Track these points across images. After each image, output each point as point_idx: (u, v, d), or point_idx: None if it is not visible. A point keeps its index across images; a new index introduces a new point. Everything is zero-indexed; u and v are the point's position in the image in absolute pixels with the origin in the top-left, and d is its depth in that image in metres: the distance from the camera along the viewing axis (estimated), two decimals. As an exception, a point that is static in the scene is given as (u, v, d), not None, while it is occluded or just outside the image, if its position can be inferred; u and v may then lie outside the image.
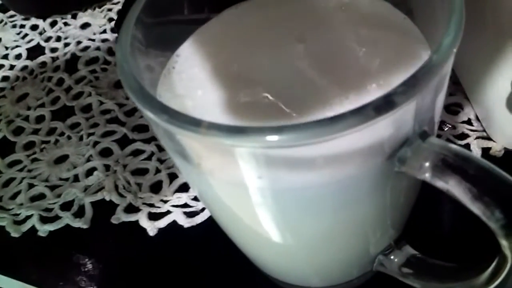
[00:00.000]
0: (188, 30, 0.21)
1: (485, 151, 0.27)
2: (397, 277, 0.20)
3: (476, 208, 0.13)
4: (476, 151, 0.27)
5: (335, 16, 0.20)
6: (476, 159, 0.14)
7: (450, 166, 0.14)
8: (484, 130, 0.28)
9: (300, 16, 0.20)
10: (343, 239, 0.19)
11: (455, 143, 0.27)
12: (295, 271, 0.22)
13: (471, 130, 0.28)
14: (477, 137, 0.28)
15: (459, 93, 0.30)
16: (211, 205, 0.19)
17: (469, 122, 0.29)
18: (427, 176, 0.14)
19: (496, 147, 0.27)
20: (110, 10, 0.42)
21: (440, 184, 0.14)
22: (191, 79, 0.19)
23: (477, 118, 0.29)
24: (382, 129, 0.14)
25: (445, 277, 0.18)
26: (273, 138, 0.12)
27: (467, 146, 0.28)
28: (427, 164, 0.14)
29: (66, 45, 0.41)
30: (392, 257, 0.20)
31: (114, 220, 0.29)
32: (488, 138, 0.28)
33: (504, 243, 0.14)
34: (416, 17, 0.19)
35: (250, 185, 0.15)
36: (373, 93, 0.17)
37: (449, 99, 0.30)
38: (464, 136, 0.28)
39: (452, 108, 0.29)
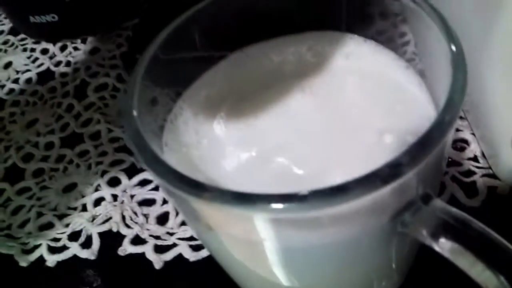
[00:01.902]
0: (195, 74, 0.21)
1: (492, 190, 0.27)
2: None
3: (476, 275, 0.14)
4: (482, 190, 0.27)
5: (339, 65, 0.20)
6: (477, 226, 0.14)
7: (451, 233, 0.14)
8: (490, 167, 0.28)
9: (307, 63, 0.20)
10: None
11: (461, 181, 0.27)
12: None
13: (477, 167, 0.28)
14: (483, 175, 0.28)
15: (465, 129, 0.30)
16: (214, 253, 0.20)
17: (475, 159, 0.29)
18: (428, 241, 0.14)
19: (503, 186, 0.27)
20: (119, 35, 0.43)
21: (441, 250, 0.14)
22: (196, 128, 0.19)
23: (483, 155, 0.29)
24: (386, 194, 0.14)
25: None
26: (279, 206, 0.13)
27: (473, 183, 0.28)
28: (428, 229, 0.14)
29: (76, 70, 0.41)
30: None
31: (121, 252, 0.29)
32: (495, 176, 0.28)
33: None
34: (419, 67, 0.19)
35: (255, 244, 0.15)
36: (378, 147, 0.17)
37: (455, 134, 0.30)
38: (470, 173, 0.28)
39: (458, 144, 0.30)
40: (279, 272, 0.17)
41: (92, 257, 0.29)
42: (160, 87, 0.19)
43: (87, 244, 0.30)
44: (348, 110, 0.18)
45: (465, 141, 0.30)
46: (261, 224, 0.14)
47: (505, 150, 0.26)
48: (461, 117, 0.30)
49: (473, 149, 0.29)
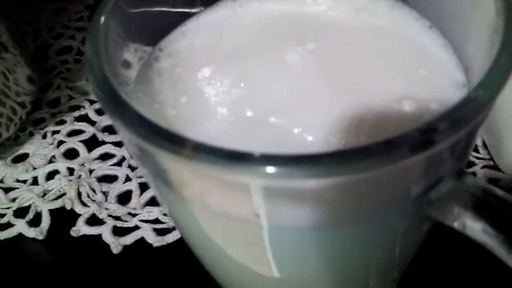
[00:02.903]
0: (175, 22, 0.17)
1: (493, 182, 0.25)
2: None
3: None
4: (482, 182, 0.25)
5: (347, 19, 0.17)
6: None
7: (488, 212, 0.11)
8: (491, 159, 0.26)
9: (307, 15, 0.17)
10: (342, 283, 0.16)
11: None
12: None
13: (478, 158, 0.26)
14: (484, 166, 0.25)
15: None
16: (187, 233, 0.16)
17: (475, 148, 0.26)
18: (458, 223, 0.11)
19: (506, 178, 0.24)
20: (88, -4, 0.39)
21: (472, 232, 0.11)
22: (174, 82, 0.16)
23: (485, 145, 0.26)
24: (412, 166, 0.11)
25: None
26: (286, 169, 0.09)
27: (473, 175, 0.25)
28: (459, 207, 0.11)
29: (37, 30, 0.37)
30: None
31: (73, 232, 0.25)
32: (496, 168, 0.25)
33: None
34: (444, 28, 0.16)
35: (243, 221, 0.12)
36: (396, 115, 0.14)
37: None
38: (469, 163, 0.26)
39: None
40: (262, 257, 0.14)
41: (40, 237, 0.25)
42: (132, 31, 0.15)
43: (35, 222, 0.26)
44: (357, 71, 0.15)
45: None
46: (253, 195, 0.11)
47: (509, 140, 0.24)
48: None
49: (474, 138, 0.27)
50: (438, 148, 0.10)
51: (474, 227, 0.12)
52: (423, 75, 0.15)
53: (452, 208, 0.12)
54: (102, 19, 0.13)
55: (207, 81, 0.15)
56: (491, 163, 0.25)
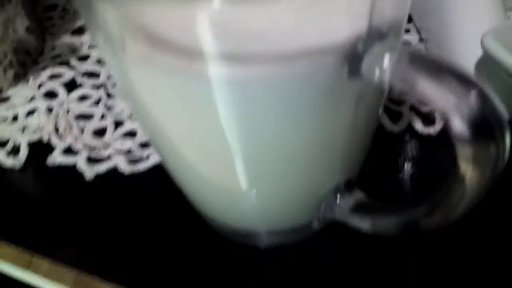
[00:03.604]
0: None
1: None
2: (343, 221, 0.19)
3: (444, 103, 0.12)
4: (439, 119, 0.26)
5: None
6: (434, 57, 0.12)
7: (416, 63, 0.12)
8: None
9: None
10: (287, 160, 0.17)
11: (416, 108, 0.26)
12: (235, 205, 0.20)
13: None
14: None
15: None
16: (138, 107, 0.17)
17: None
18: (387, 76, 0.13)
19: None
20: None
21: (403, 83, 0.12)
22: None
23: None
24: (335, 18, 0.12)
25: (392, 212, 0.17)
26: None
27: (432, 112, 0.26)
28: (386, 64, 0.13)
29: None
30: (341, 199, 0.19)
31: (50, 161, 0.26)
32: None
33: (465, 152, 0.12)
34: None
35: (179, 75, 0.13)
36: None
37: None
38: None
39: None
40: (205, 120, 0.15)
41: (18, 166, 0.26)
42: None
43: (14, 153, 0.27)
44: None
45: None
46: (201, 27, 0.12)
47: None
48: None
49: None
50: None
51: (403, 78, 0.13)
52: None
53: (376, 64, 0.13)
54: None
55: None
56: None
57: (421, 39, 0.31)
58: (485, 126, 0.12)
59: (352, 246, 0.22)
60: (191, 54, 0.12)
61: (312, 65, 0.13)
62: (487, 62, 0.23)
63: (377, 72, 0.13)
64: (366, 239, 0.20)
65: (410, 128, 0.26)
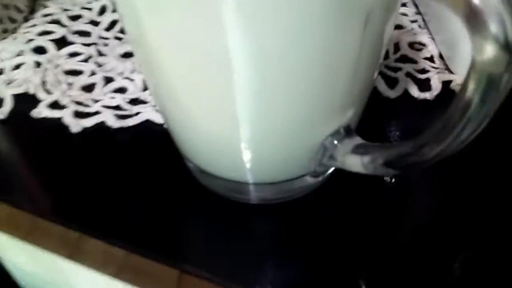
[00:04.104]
0: None
1: (446, 85, 0.26)
2: (340, 166, 0.18)
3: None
4: (436, 85, 0.26)
5: None
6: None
7: None
8: (446, 68, 0.27)
9: None
10: (288, 94, 0.16)
11: (415, 77, 0.26)
12: (229, 151, 0.19)
13: (433, 68, 0.27)
14: (439, 72, 0.26)
15: (424, 34, 0.28)
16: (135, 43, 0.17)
17: (431, 59, 0.27)
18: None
19: (457, 80, 0.25)
20: None
21: None
22: None
23: (441, 57, 0.27)
24: None
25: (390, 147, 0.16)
26: None
27: (428, 80, 0.26)
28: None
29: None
30: (340, 144, 0.18)
31: (34, 113, 0.26)
32: (450, 73, 0.26)
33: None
34: None
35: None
36: None
37: (414, 37, 0.28)
38: (425, 71, 0.27)
39: (415, 46, 0.28)
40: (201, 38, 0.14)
41: (1, 117, 0.26)
42: None
43: (-3, 105, 0.26)
44: None
45: (423, 44, 0.28)
46: None
47: (463, 42, 0.25)
48: (420, 26, 0.29)
49: (431, 50, 0.28)
50: None
51: None
52: None
53: None
54: None
55: None
56: (446, 71, 0.26)
57: (418, 13, 0.30)
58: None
59: (344, 205, 0.22)
60: None
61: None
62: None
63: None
64: (355, 199, 0.20)
65: (406, 94, 0.26)
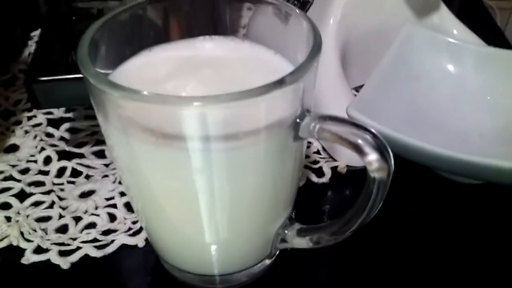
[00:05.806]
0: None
1: (334, 169, 0.36)
2: (291, 246, 0.27)
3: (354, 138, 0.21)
4: (327, 171, 0.36)
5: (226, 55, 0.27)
6: (339, 117, 0.22)
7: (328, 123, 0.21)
8: (330, 157, 0.37)
9: (200, 55, 0.27)
10: (249, 209, 0.24)
11: (311, 168, 0.36)
12: (202, 252, 0.27)
13: (321, 158, 0.37)
14: (326, 161, 0.37)
15: (308, 133, 0.39)
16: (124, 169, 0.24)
17: (318, 152, 0.38)
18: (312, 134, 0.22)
19: (341, 165, 0.36)
20: None
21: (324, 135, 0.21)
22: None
23: (324, 149, 0.38)
24: (283, 104, 0.21)
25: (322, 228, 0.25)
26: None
27: (320, 168, 0.36)
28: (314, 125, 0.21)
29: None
30: (288, 231, 0.27)
31: (24, 261, 0.30)
32: (334, 161, 0.36)
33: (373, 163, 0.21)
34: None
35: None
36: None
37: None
38: (316, 162, 0.37)
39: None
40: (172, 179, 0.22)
41: (-7, 271, 0.30)
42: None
43: (-15, 263, 0.30)
44: (235, 77, 0.25)
45: (310, 142, 0.38)
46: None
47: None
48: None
49: (316, 145, 0.38)
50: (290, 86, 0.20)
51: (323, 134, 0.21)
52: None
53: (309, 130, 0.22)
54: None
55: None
56: (330, 160, 0.37)
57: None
58: (381, 149, 0.21)
59: (296, 276, 0.30)
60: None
61: (271, 134, 0.21)
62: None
63: (308, 132, 0.22)
64: (302, 269, 0.28)
65: (309, 181, 0.35)
